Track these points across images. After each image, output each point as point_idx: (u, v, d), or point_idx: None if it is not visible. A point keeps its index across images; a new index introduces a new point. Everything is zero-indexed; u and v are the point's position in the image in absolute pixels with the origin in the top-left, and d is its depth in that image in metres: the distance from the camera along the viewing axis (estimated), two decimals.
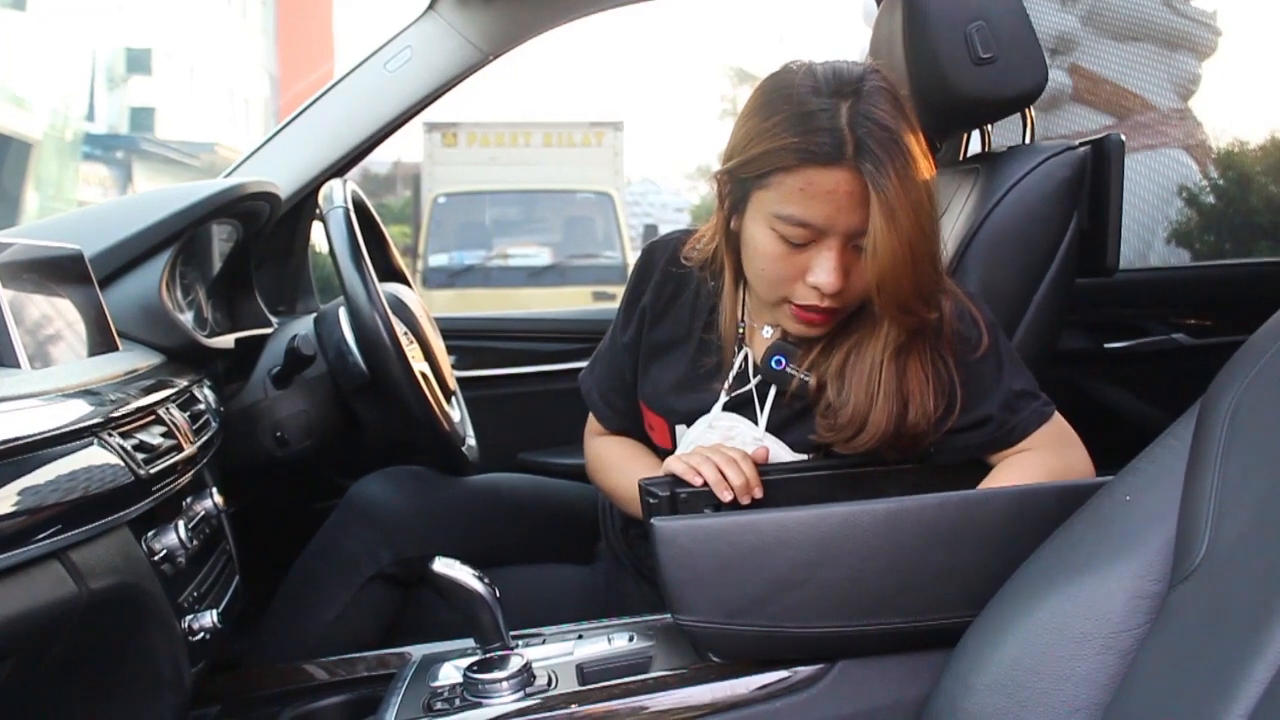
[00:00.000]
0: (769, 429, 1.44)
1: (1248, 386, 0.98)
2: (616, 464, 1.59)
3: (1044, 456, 1.38)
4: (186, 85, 22.81)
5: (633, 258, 9.62)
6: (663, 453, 1.54)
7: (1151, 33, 7.33)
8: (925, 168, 1.27)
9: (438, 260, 9.14)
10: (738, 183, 1.33)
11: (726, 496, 1.28)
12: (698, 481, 1.29)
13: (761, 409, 1.45)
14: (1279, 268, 3.05)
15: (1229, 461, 0.95)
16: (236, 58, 24.56)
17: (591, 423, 1.69)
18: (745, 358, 1.48)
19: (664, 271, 1.55)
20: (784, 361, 1.43)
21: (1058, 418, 1.41)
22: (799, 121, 1.25)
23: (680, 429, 1.51)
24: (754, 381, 1.46)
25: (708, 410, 1.47)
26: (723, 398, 1.47)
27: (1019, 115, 1.75)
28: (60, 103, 16.36)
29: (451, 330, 2.35)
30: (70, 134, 16.49)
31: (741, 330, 1.48)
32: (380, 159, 16.63)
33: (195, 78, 23.15)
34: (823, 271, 1.29)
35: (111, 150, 18.84)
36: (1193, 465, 0.99)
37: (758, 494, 1.28)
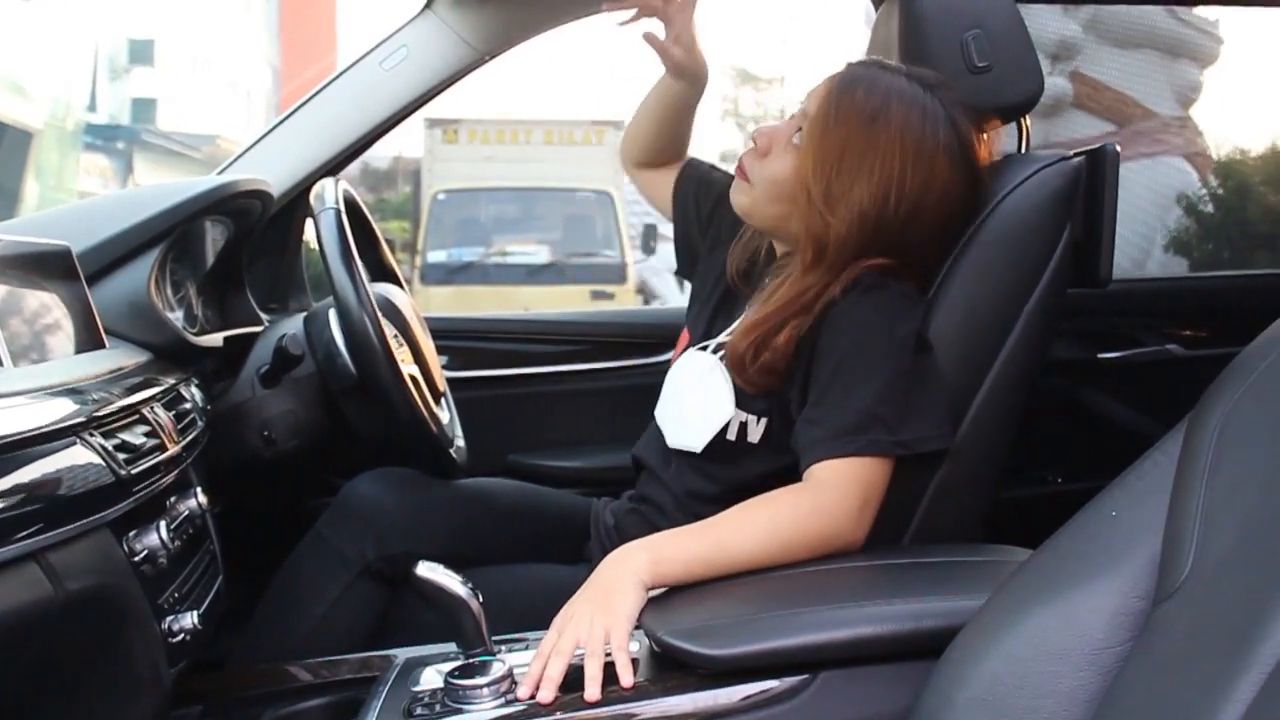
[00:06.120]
0: None
1: (1236, 404, 0.97)
2: None
3: (801, 499, 1.36)
4: (189, 77, 22.82)
5: (632, 256, 9.66)
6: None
7: (1154, 40, 7.32)
8: (878, 161, 1.43)
9: (436, 257, 9.18)
10: None
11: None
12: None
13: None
14: (1275, 279, 3.06)
15: (1215, 479, 0.95)
16: (239, 50, 24.57)
17: None
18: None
19: None
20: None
21: (865, 468, 1.36)
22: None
23: (689, 353, 1.61)
24: (729, 333, 1.56)
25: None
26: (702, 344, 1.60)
27: (1013, 124, 1.74)
28: (62, 92, 16.36)
29: (444, 331, 2.34)
30: (71, 124, 16.49)
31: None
32: (381, 154, 16.63)
33: (197, 69, 23.17)
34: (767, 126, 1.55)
35: (113, 141, 18.85)
36: (1179, 482, 0.99)
37: (542, 696, 1.19)
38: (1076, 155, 1.61)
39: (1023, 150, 1.75)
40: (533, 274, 9.04)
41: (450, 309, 8.69)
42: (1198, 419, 1.00)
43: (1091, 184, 1.62)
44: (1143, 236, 6.55)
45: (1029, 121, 1.77)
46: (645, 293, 10.91)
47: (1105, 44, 7.09)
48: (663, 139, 1.89)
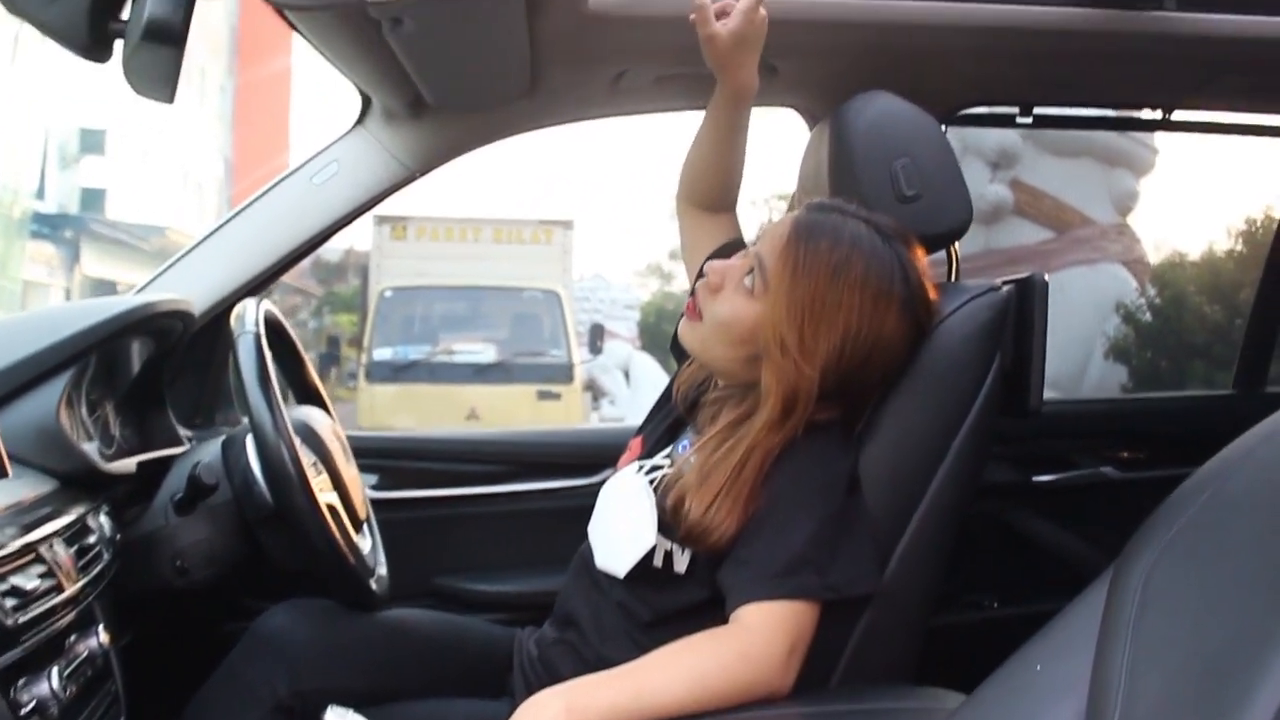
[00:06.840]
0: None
1: (1161, 553, 0.96)
2: None
3: (727, 644, 1.33)
4: (140, 167, 22.81)
5: (579, 356, 9.67)
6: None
7: (1092, 149, 7.51)
8: (840, 313, 1.40)
9: (382, 354, 9.15)
10: None
11: None
12: None
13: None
14: (1209, 401, 3.08)
15: (1140, 632, 0.92)
16: (192, 142, 24.62)
17: None
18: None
19: None
20: (688, 446, 1.50)
21: (794, 612, 1.34)
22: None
23: (632, 466, 1.56)
24: (665, 456, 1.54)
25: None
26: (637, 463, 1.55)
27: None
28: (10, 180, 16.31)
29: (373, 450, 2.30)
30: (19, 212, 16.45)
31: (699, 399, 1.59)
32: (332, 246, 16.64)
33: (149, 160, 23.16)
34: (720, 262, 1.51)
35: (60, 230, 18.81)
36: (1105, 633, 0.96)
37: None
38: (1006, 284, 1.62)
39: (952, 278, 1.75)
40: (479, 373, 9.01)
41: (395, 408, 8.63)
42: (1123, 567, 0.99)
43: (1020, 313, 1.62)
44: (1083, 344, 6.66)
45: (957, 247, 1.77)
46: (594, 390, 10.91)
47: (1044, 152, 7.26)
48: (705, 169, 1.80)
